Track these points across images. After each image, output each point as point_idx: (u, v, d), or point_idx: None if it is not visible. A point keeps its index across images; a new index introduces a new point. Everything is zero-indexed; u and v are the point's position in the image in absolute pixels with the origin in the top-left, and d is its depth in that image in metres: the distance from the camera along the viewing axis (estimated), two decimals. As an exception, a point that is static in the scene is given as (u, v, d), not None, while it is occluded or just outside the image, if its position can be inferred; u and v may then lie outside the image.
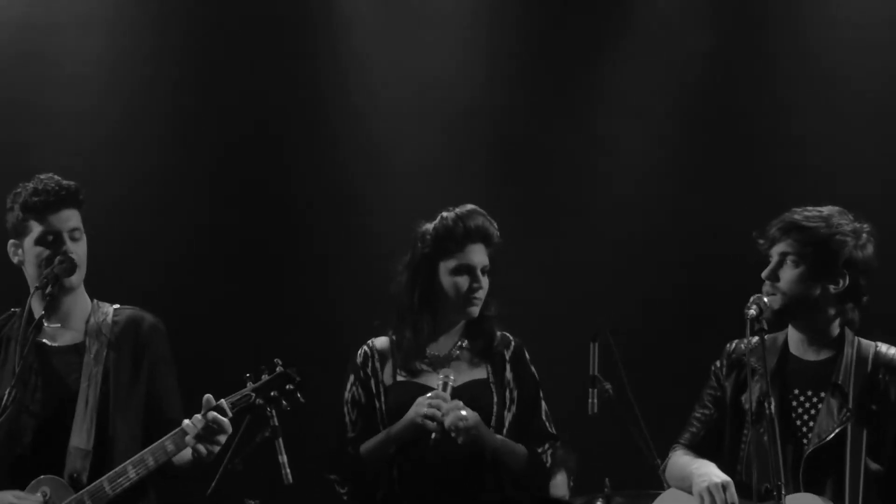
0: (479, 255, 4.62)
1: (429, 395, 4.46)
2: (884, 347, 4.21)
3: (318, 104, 7.15)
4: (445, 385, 4.49)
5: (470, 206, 4.68)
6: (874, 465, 4.10)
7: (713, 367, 4.38)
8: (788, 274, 4.16)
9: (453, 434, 4.41)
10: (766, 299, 4.14)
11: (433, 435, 4.41)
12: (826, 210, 4.22)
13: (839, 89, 6.91)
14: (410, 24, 7.19)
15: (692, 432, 4.37)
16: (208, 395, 4.16)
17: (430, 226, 4.65)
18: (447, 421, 4.41)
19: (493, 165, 7.09)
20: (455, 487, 4.49)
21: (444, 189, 6.43)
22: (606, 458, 6.07)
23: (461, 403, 4.45)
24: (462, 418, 4.41)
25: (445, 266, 4.60)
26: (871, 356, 4.17)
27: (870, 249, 4.20)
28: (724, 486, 4.07)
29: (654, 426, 5.29)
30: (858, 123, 6.86)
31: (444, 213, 4.65)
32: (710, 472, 4.15)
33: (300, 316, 6.94)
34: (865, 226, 4.23)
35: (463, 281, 4.59)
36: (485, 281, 4.62)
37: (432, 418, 4.41)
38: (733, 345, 4.35)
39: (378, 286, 4.87)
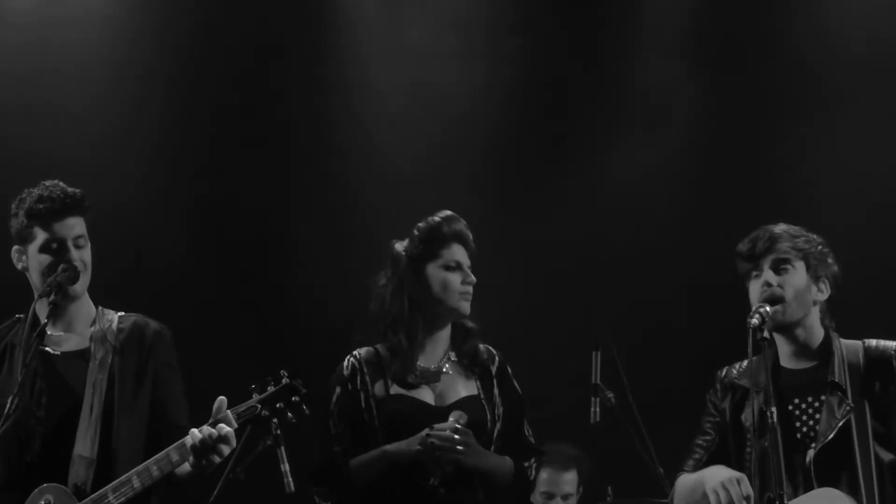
0: (463, 255, 4.63)
1: (441, 434, 4.36)
2: (872, 342, 4.32)
3: (320, 109, 7.17)
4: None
5: (448, 212, 4.68)
6: (886, 455, 4.16)
7: (708, 396, 4.44)
8: (789, 278, 4.26)
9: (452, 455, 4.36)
10: (768, 309, 4.16)
11: (432, 480, 4.35)
12: (793, 227, 4.36)
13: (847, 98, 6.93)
14: (411, 27, 7.20)
15: (696, 458, 4.39)
16: (222, 398, 4.11)
17: (403, 243, 4.64)
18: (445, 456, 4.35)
19: (491, 170, 7.09)
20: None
21: (443, 193, 6.43)
22: (609, 466, 6.07)
23: (457, 426, 4.39)
24: (458, 446, 4.35)
25: (434, 265, 4.59)
26: (861, 352, 4.28)
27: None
28: (738, 480, 4.09)
29: (657, 435, 5.30)
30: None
31: (425, 219, 4.66)
32: (720, 471, 4.17)
33: (302, 325, 6.94)
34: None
35: (454, 276, 4.58)
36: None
37: (437, 462, 4.35)
38: (724, 371, 4.44)
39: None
